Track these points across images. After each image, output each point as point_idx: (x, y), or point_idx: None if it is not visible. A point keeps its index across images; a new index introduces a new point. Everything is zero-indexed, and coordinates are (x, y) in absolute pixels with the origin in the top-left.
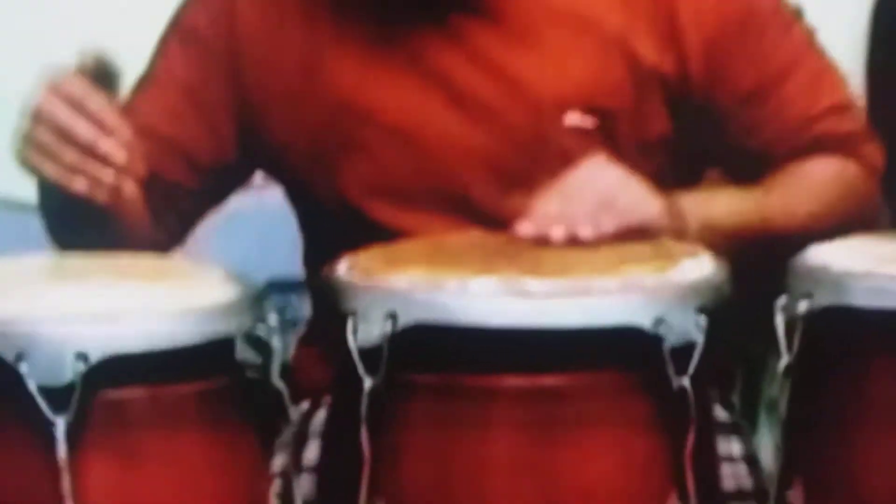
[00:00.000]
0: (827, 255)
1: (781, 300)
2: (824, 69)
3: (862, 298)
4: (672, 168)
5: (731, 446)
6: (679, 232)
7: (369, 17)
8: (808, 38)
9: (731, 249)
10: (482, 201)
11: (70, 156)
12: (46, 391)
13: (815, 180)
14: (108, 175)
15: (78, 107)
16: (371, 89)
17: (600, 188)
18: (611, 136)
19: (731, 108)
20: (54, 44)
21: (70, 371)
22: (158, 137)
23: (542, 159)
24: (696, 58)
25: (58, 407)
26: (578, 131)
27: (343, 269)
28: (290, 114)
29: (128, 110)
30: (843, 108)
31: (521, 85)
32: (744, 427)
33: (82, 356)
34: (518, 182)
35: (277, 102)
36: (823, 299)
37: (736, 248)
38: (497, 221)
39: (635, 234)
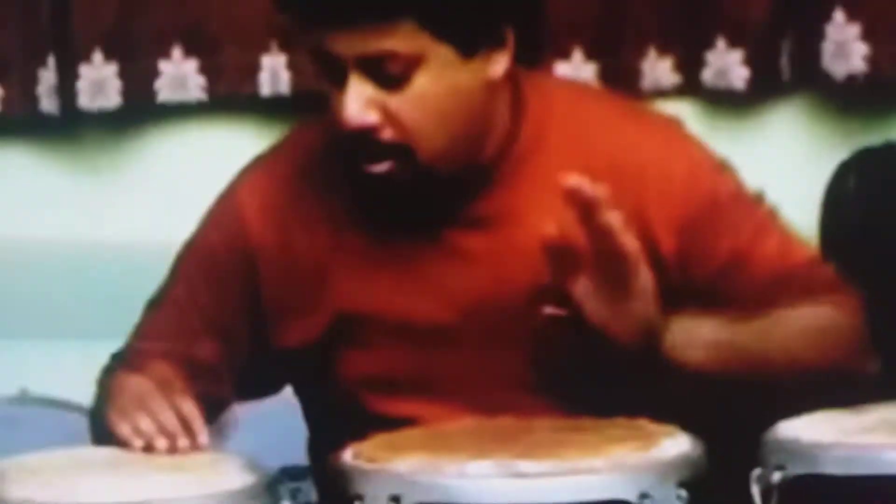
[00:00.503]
0: (797, 429)
1: (756, 471)
2: (789, 234)
3: (831, 467)
4: None
5: None
6: (663, 339)
7: (367, 229)
8: (772, 212)
9: (714, 368)
10: (470, 386)
11: (147, 428)
12: None
13: (794, 317)
14: (183, 441)
15: (168, 397)
16: (368, 294)
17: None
18: (580, 324)
19: (710, 281)
20: None
21: None
22: (179, 355)
23: (522, 345)
24: (666, 242)
25: None
26: (554, 319)
27: (349, 456)
28: (299, 320)
29: (145, 330)
30: (814, 262)
31: (504, 282)
32: None
33: None
34: (502, 366)
35: (286, 311)
36: (795, 469)
37: (718, 367)
38: (485, 405)
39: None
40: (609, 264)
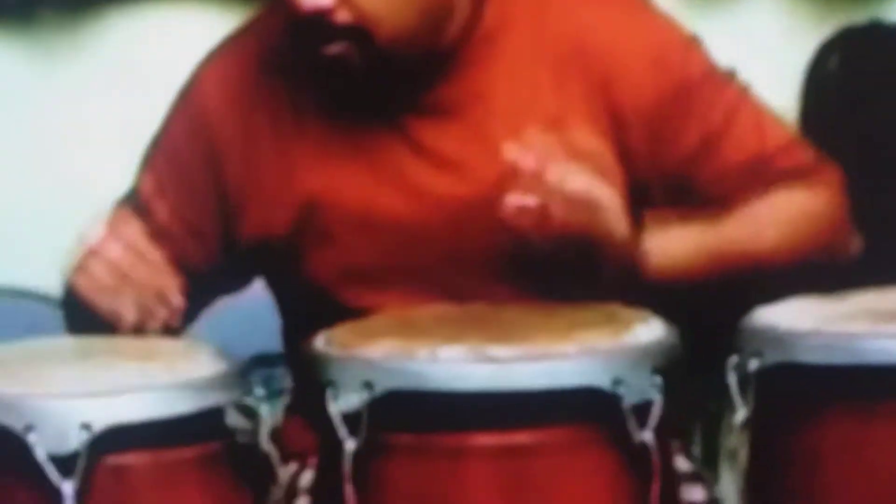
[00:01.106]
0: (774, 316)
1: (733, 359)
2: (764, 114)
3: (808, 355)
4: None
5: (694, 494)
6: (635, 257)
7: (328, 117)
8: (744, 91)
9: (703, 275)
10: (439, 276)
11: (128, 294)
12: (55, 459)
13: (773, 208)
14: (161, 313)
15: (135, 251)
16: (333, 184)
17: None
18: (550, 214)
19: (683, 169)
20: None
21: (75, 440)
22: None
23: (490, 236)
24: (636, 133)
25: (65, 473)
26: (521, 209)
27: (321, 342)
28: (265, 211)
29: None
30: (791, 143)
31: (466, 172)
32: (706, 476)
33: (86, 426)
34: (470, 256)
35: (254, 203)
36: (773, 357)
37: (708, 273)
38: (455, 294)
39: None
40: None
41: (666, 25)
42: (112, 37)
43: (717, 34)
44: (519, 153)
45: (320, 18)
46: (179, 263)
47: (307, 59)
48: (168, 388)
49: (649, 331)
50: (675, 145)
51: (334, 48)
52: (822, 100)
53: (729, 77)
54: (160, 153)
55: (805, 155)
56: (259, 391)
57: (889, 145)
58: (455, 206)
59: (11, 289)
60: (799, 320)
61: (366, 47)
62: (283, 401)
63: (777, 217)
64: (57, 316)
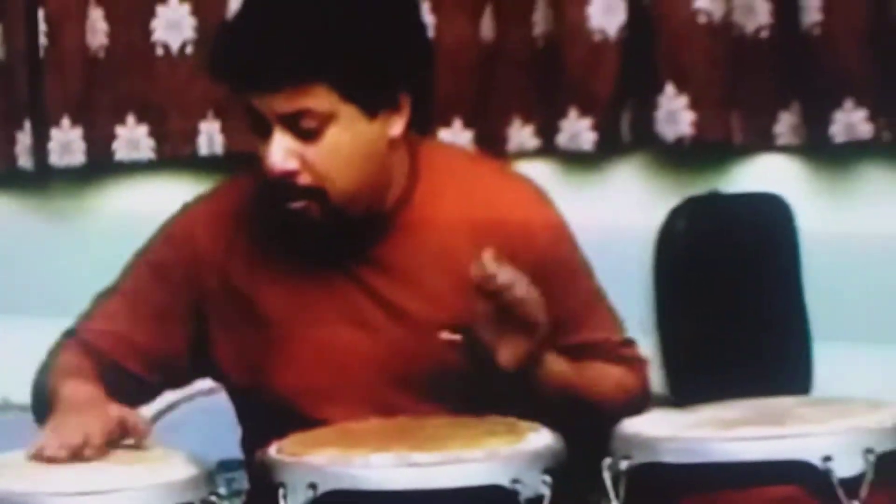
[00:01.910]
0: (639, 425)
1: (607, 460)
2: (612, 311)
3: (668, 456)
4: None
5: None
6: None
7: (292, 263)
8: (598, 285)
9: (556, 392)
10: (379, 394)
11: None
12: None
13: (611, 373)
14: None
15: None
16: (295, 318)
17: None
18: (473, 346)
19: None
20: None
21: None
22: (122, 336)
23: (424, 365)
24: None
25: None
26: (450, 343)
27: (273, 451)
28: (233, 336)
29: (95, 314)
30: (627, 341)
31: (406, 314)
32: None
33: None
34: (407, 381)
35: (224, 326)
36: (639, 458)
37: (558, 391)
38: (391, 407)
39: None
40: (510, 312)
41: (559, 218)
42: (111, 204)
43: (588, 201)
44: (485, 262)
45: (286, 180)
46: (145, 354)
47: (275, 212)
48: (149, 488)
49: (540, 438)
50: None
51: (298, 203)
52: (671, 256)
53: (591, 273)
54: (143, 264)
55: (634, 350)
56: (222, 490)
57: (725, 295)
58: (394, 339)
59: (26, 405)
60: (659, 428)
61: (323, 204)
62: (242, 499)
63: (607, 380)
64: None
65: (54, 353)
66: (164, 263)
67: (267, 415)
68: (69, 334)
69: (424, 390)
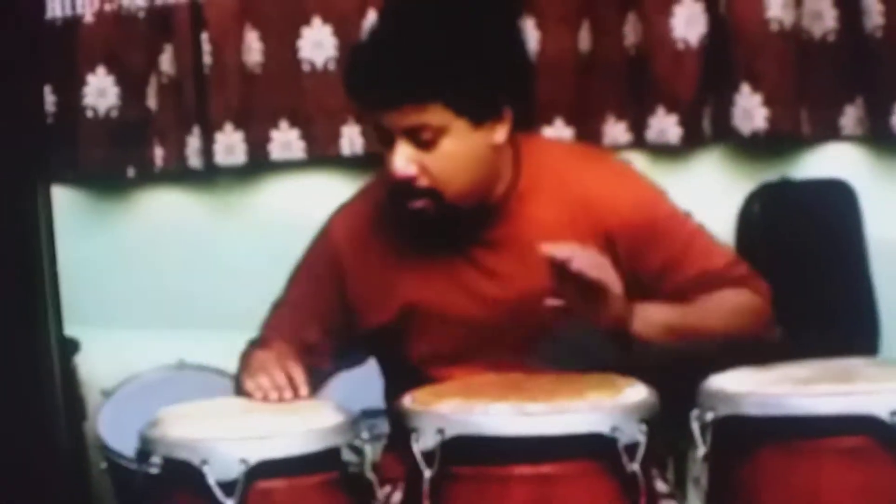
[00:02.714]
0: (723, 381)
1: (695, 412)
2: (712, 242)
3: (749, 409)
4: None
5: None
6: (625, 319)
7: (419, 249)
8: (698, 226)
9: (666, 341)
10: (493, 355)
11: (264, 384)
12: (221, 484)
13: (721, 300)
14: (288, 394)
15: (282, 363)
16: (422, 295)
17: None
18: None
19: (653, 281)
20: None
21: (236, 470)
22: (294, 340)
23: (533, 328)
24: (622, 253)
25: (228, 494)
26: (555, 308)
27: (407, 400)
28: (375, 313)
29: (270, 323)
30: (733, 261)
31: (511, 284)
32: (678, 495)
33: (244, 461)
34: (518, 343)
35: (366, 307)
36: (723, 411)
37: (669, 340)
38: (502, 367)
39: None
40: (587, 285)
41: (643, 182)
42: (269, 198)
43: (672, 188)
44: (553, 249)
45: (408, 183)
46: (314, 350)
47: (401, 210)
48: (301, 434)
49: (636, 392)
50: (647, 264)
51: (418, 203)
52: (748, 236)
53: (686, 217)
54: (301, 272)
55: (742, 269)
56: (365, 435)
57: (797, 273)
58: (504, 307)
59: (197, 364)
60: (741, 384)
61: (438, 202)
62: (382, 442)
63: (719, 308)
64: (225, 384)
65: (243, 358)
66: (316, 272)
67: (404, 373)
68: (252, 342)
69: (532, 351)
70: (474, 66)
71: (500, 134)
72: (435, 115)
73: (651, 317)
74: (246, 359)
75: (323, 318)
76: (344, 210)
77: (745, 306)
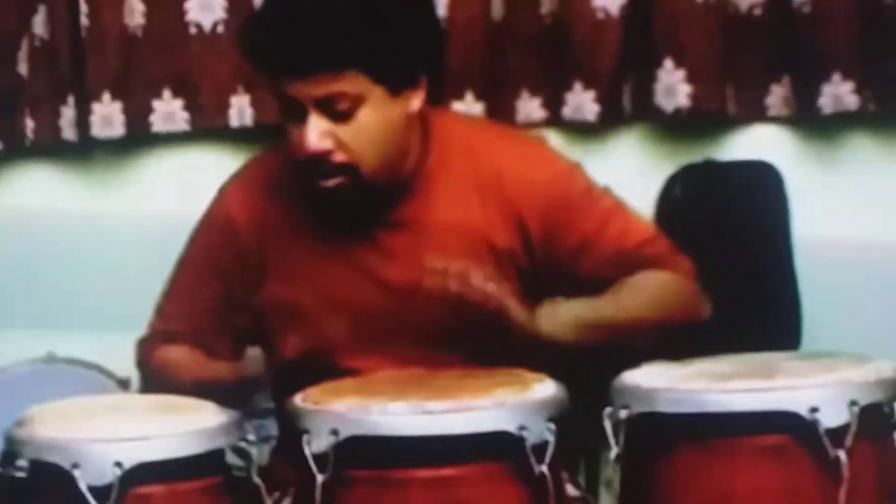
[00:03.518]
0: (637, 377)
1: (608, 410)
2: (631, 218)
3: (664, 406)
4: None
5: None
6: (530, 326)
7: (319, 232)
8: (616, 201)
9: (582, 340)
10: (396, 345)
11: None
12: (93, 490)
13: (638, 285)
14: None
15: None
16: (324, 282)
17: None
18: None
19: (567, 263)
20: None
21: (110, 475)
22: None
23: (432, 314)
24: (535, 234)
25: (102, 500)
26: (443, 271)
27: (298, 399)
28: (267, 296)
29: (169, 312)
30: (651, 238)
31: (416, 268)
32: (590, 499)
33: (119, 464)
34: (417, 330)
35: (259, 289)
36: (637, 408)
37: (586, 338)
38: (407, 358)
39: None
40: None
41: (556, 158)
42: (149, 172)
43: (589, 169)
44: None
45: (321, 159)
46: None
47: (306, 188)
48: (182, 435)
49: (545, 388)
50: (561, 244)
51: (331, 181)
52: (668, 220)
53: (603, 191)
54: (195, 252)
55: (661, 245)
56: (251, 437)
57: (719, 257)
58: (407, 293)
59: (68, 358)
60: (656, 380)
61: (355, 179)
62: (271, 445)
63: (638, 294)
64: (99, 378)
65: (142, 359)
66: (213, 246)
67: (296, 368)
68: (149, 334)
69: (436, 340)
70: (394, 29)
71: (416, 102)
72: (352, 84)
73: (560, 316)
74: (153, 357)
75: (228, 306)
76: (237, 183)
77: (666, 289)
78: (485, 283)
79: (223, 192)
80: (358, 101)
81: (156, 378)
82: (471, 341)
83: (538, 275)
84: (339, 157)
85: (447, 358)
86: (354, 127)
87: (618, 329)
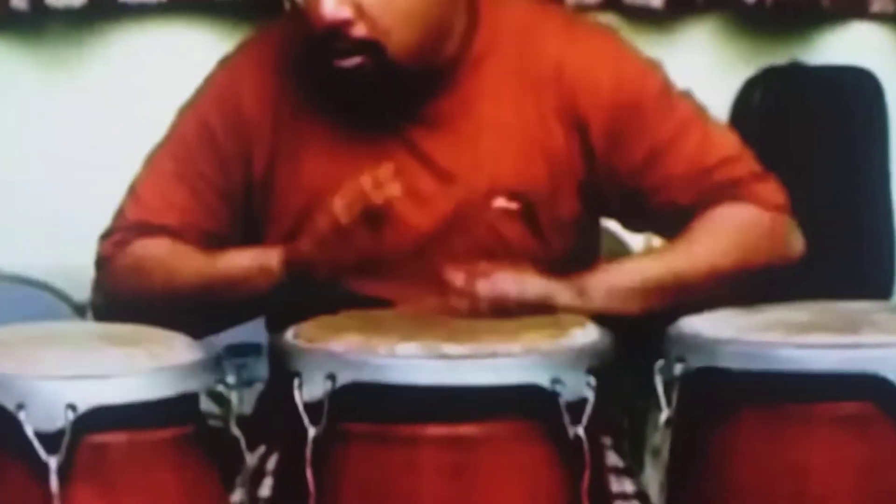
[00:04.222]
0: (698, 325)
1: (659, 363)
2: (712, 131)
3: (728, 361)
4: (585, 242)
5: (624, 486)
6: (583, 305)
7: (338, 122)
8: (696, 110)
9: (651, 305)
10: (429, 268)
11: None
12: (41, 436)
13: (716, 227)
14: None
15: None
16: (337, 181)
17: (499, 288)
18: (531, 217)
19: (632, 176)
20: None
21: (62, 419)
22: (185, 213)
23: (472, 235)
24: (597, 138)
25: (51, 449)
26: (505, 212)
27: (290, 335)
28: (275, 203)
29: (149, 176)
30: (734, 157)
31: (459, 178)
32: (634, 469)
33: (72, 406)
34: (454, 252)
35: (268, 193)
36: (695, 362)
37: (655, 302)
38: (441, 286)
39: (538, 309)
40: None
41: (627, 54)
42: (114, 50)
43: None
44: (451, 273)
45: (337, 32)
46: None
47: (322, 70)
48: (147, 374)
49: (585, 334)
50: (627, 154)
51: (350, 61)
52: (745, 130)
53: (682, 97)
54: (192, 130)
55: (746, 167)
56: (231, 379)
57: (803, 178)
58: (445, 208)
59: (13, 275)
60: (720, 329)
61: (377, 59)
62: (255, 389)
63: (716, 238)
64: (51, 302)
65: (105, 254)
66: (214, 130)
67: (295, 294)
68: (120, 225)
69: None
70: None
71: None
72: None
73: (620, 282)
74: (124, 252)
75: (220, 200)
76: (240, 56)
77: (751, 231)
78: (516, 282)
79: (223, 64)
80: None
81: (124, 280)
82: (517, 261)
83: (601, 191)
84: (360, 29)
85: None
86: None
87: (694, 287)
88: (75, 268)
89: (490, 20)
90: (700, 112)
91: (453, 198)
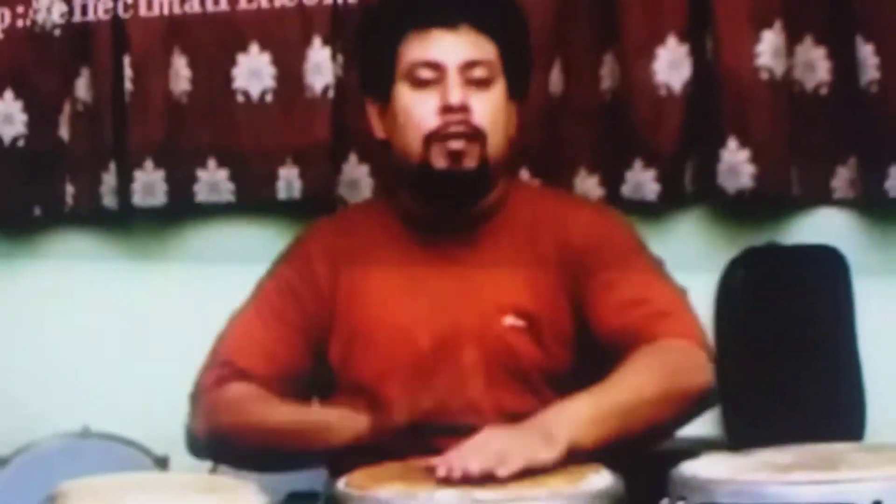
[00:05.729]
0: (696, 467)
1: (664, 501)
2: (666, 283)
3: (723, 498)
4: (583, 355)
5: None
6: (558, 455)
7: (390, 258)
8: (658, 267)
9: (606, 435)
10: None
11: None
12: None
13: (646, 361)
14: None
15: None
16: (384, 310)
17: (495, 448)
18: (536, 332)
19: (590, 306)
20: None
21: None
22: (269, 353)
23: (490, 348)
24: (574, 273)
25: None
26: (514, 328)
27: (341, 484)
28: (341, 345)
29: (233, 332)
30: (674, 301)
31: (480, 296)
32: None
33: None
34: (471, 366)
35: (335, 336)
36: (695, 499)
37: (610, 431)
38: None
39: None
40: None
41: (620, 220)
42: (192, 244)
43: (651, 250)
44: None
45: (457, 118)
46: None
47: (409, 188)
48: None
49: (600, 479)
50: (589, 286)
51: (459, 144)
52: (730, 304)
53: (653, 258)
54: (272, 289)
55: (684, 315)
56: None
57: (782, 343)
58: (465, 321)
59: (103, 433)
60: (715, 471)
61: (481, 150)
62: None
63: (643, 368)
64: (139, 456)
65: (205, 388)
66: (292, 284)
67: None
68: (216, 363)
69: (496, 376)
70: (522, 29)
71: (513, 123)
72: (490, 54)
73: (572, 417)
74: (222, 388)
75: (299, 339)
76: (316, 229)
77: (671, 359)
78: (497, 458)
79: (308, 229)
80: (493, 75)
81: (218, 414)
82: (529, 376)
83: (582, 330)
84: (475, 118)
85: (503, 393)
86: (489, 97)
87: (635, 418)
88: (157, 427)
89: (519, 186)
90: (659, 268)
91: (471, 312)
